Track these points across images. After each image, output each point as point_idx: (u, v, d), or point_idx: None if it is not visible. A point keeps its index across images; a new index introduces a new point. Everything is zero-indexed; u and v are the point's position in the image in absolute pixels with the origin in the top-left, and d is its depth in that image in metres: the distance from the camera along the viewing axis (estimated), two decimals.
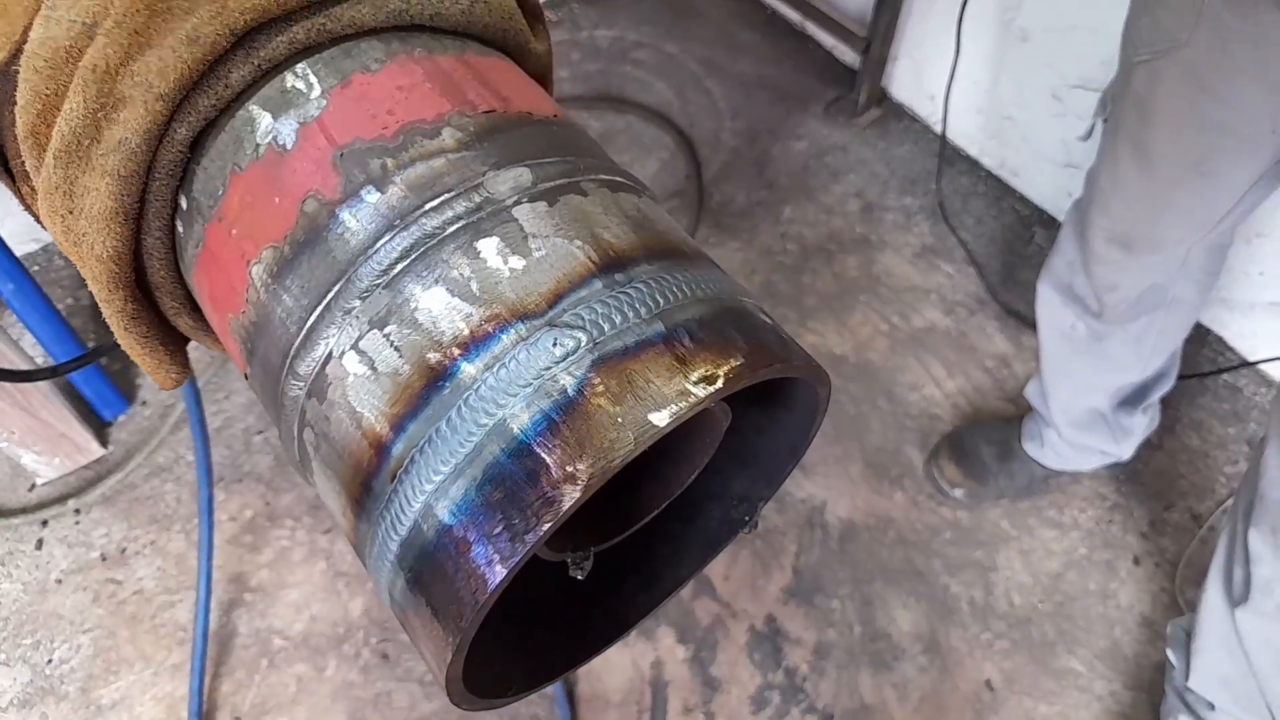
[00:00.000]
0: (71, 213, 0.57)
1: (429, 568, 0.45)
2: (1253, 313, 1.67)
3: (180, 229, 0.59)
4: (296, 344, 0.51)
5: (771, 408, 0.61)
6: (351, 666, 1.46)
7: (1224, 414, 1.70)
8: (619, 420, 0.44)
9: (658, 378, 0.45)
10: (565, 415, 0.44)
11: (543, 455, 0.43)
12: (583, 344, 0.46)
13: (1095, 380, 1.42)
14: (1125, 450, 1.52)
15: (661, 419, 0.44)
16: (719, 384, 0.45)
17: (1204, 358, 1.74)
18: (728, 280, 0.54)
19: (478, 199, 0.51)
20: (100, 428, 1.66)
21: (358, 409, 0.48)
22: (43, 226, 0.72)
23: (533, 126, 0.58)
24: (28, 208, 0.71)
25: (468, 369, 0.46)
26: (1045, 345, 1.44)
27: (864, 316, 1.84)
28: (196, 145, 0.57)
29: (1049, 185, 1.94)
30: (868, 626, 1.51)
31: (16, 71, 0.58)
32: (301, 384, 0.51)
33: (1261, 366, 1.70)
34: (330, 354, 0.50)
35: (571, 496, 0.42)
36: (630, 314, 0.47)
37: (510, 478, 0.43)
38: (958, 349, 1.79)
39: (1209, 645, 1.27)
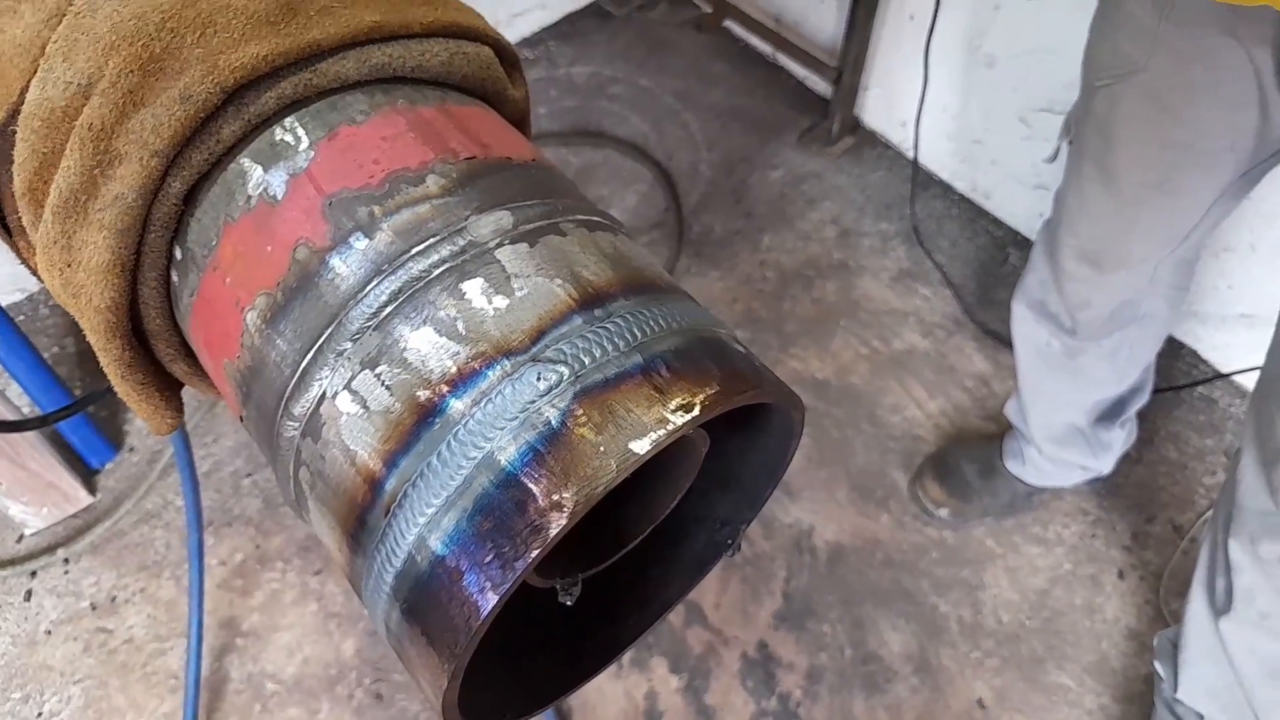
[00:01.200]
0: (70, 266, 0.59)
1: (424, 597, 0.47)
2: (1224, 325, 1.70)
3: (175, 278, 0.61)
4: (291, 386, 0.53)
5: (749, 432, 0.63)
6: (345, 708, 1.46)
7: (1200, 425, 1.73)
8: (601, 449, 0.46)
9: (637, 407, 0.47)
10: (550, 446, 0.46)
11: (530, 485, 0.45)
12: (565, 377, 0.48)
13: (1072, 396, 1.45)
14: (1105, 465, 1.54)
15: (642, 446, 0.46)
16: (696, 411, 0.47)
17: (1178, 371, 1.77)
18: (702, 312, 0.57)
19: (461, 242, 0.53)
20: (88, 475, 1.67)
21: (352, 447, 0.50)
22: (39, 280, 0.74)
23: (512, 171, 0.61)
24: (24, 261, 0.72)
25: (456, 405, 0.48)
26: (1022, 363, 1.47)
27: (844, 341, 1.87)
28: (190, 198, 0.59)
29: (1021, 207, 1.98)
30: (859, 649, 1.52)
31: (14, 131, 0.61)
32: (296, 424, 0.53)
33: (1235, 378, 1.73)
34: (324, 394, 0.52)
35: (558, 524, 0.44)
36: (610, 347, 0.49)
37: (499, 508, 0.45)
38: (937, 370, 1.82)
39: (1195, 656, 1.28)
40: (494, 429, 0.47)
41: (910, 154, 2.12)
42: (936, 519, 1.63)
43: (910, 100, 2.01)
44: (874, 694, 1.48)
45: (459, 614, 0.46)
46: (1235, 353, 1.71)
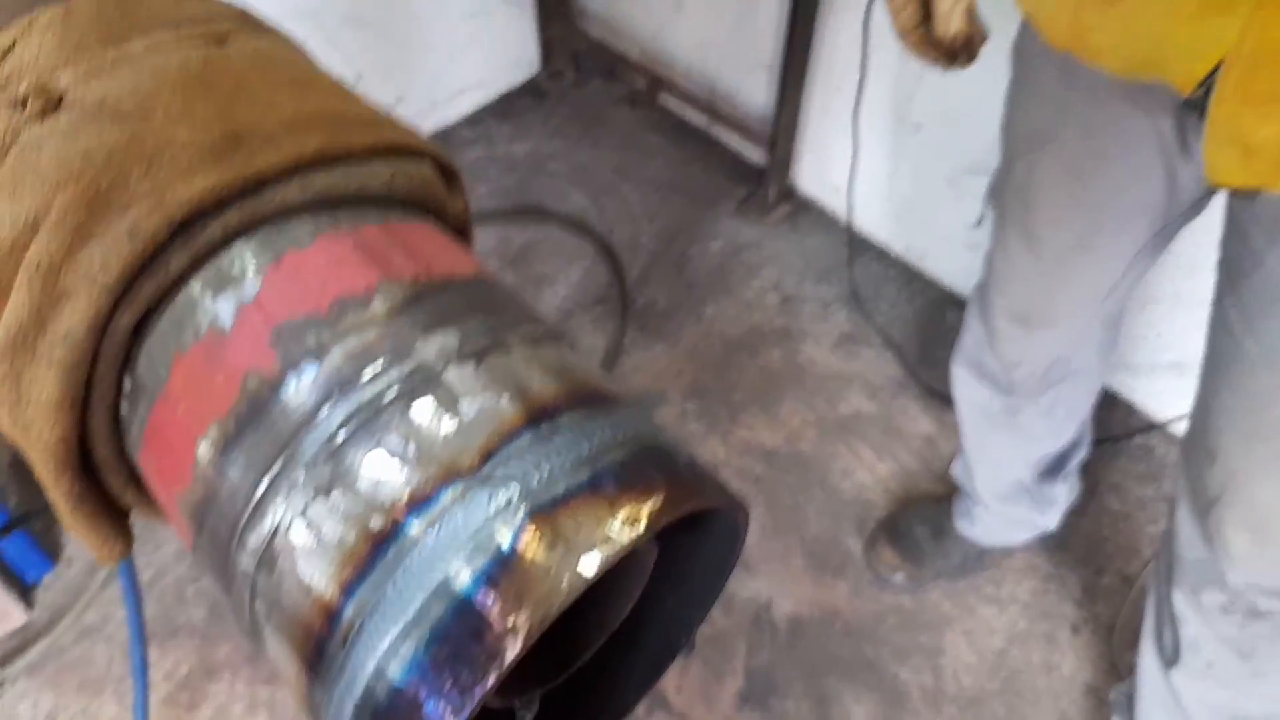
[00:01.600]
0: (19, 402, 0.58)
1: None
2: (1155, 374, 1.75)
3: (125, 409, 0.60)
4: (245, 517, 0.52)
5: (696, 533, 0.64)
6: None
7: (1140, 475, 1.76)
8: (552, 570, 0.46)
9: (586, 524, 0.48)
10: (503, 569, 0.46)
11: (484, 611, 0.45)
12: (515, 497, 0.49)
13: (1015, 454, 1.47)
14: (1051, 520, 1.56)
15: (591, 566, 0.46)
16: (642, 526, 0.48)
17: (1115, 421, 1.81)
18: (645, 419, 0.57)
19: (410, 365, 0.53)
20: (24, 591, 1.61)
21: (306, 577, 0.50)
22: None
23: (456, 289, 0.61)
24: None
25: (410, 530, 0.48)
26: (964, 423, 1.49)
27: (792, 408, 1.88)
28: (139, 329, 0.59)
29: (955, 266, 2.03)
30: None
31: None
32: (251, 556, 0.52)
33: (1170, 427, 1.77)
34: (278, 526, 0.51)
35: (513, 649, 0.45)
36: (557, 463, 0.50)
37: (455, 635, 0.45)
38: (885, 432, 1.84)
39: (1150, 709, 1.29)
40: (448, 552, 0.47)
41: (844, 220, 2.17)
42: (892, 584, 1.63)
43: (843, 167, 2.06)
44: None
45: None
46: (1168, 400, 1.76)
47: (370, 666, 0.47)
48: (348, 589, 0.48)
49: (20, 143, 0.59)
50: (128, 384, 0.59)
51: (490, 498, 0.47)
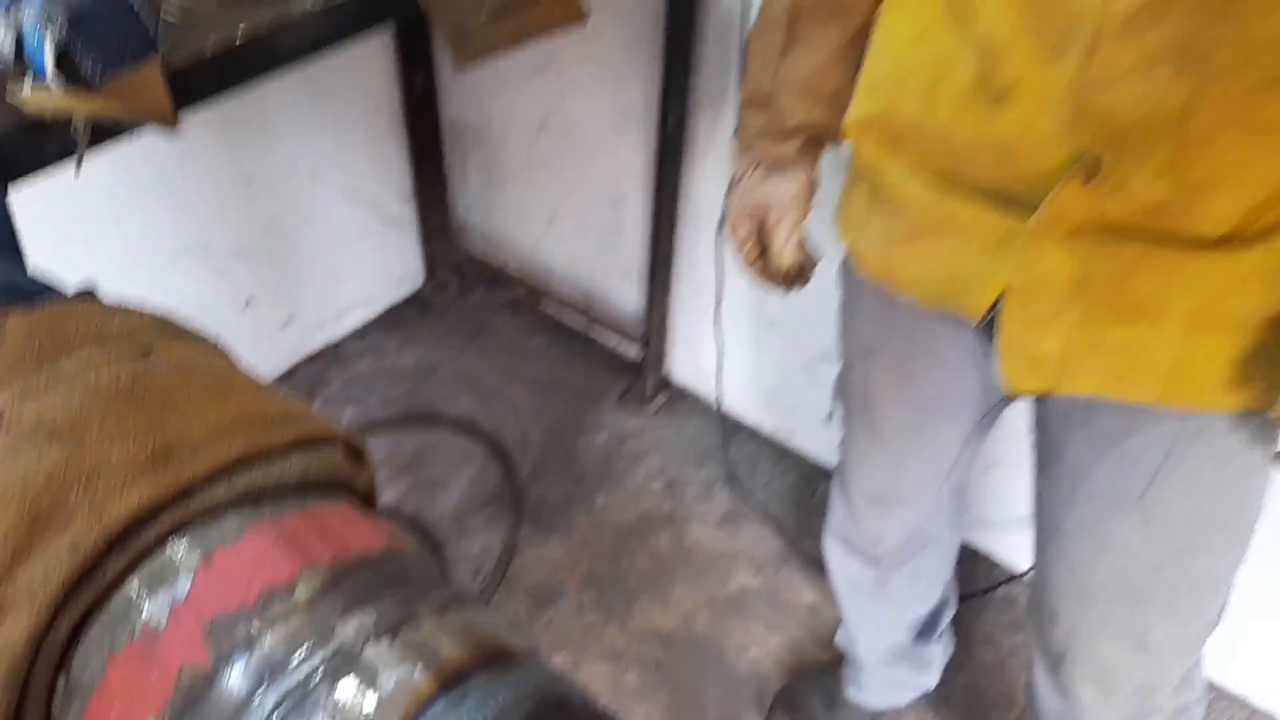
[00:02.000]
0: None
1: None
2: (1008, 529, 1.92)
3: (57, 708, 0.66)
4: None
5: None
6: None
7: (1007, 625, 1.90)
8: None
9: None
10: None
11: None
12: None
13: (889, 619, 1.59)
14: (931, 679, 1.67)
15: None
16: None
17: (979, 576, 1.96)
18: (546, 670, 0.67)
19: (333, 646, 0.62)
20: None
21: None
22: None
23: (370, 566, 0.71)
24: None
25: None
26: (841, 594, 1.60)
27: (684, 590, 1.97)
28: (75, 632, 0.66)
29: (821, 443, 2.20)
30: None
31: None
32: None
33: (1027, 578, 1.92)
34: None
35: None
36: None
37: None
38: (772, 606, 1.93)
39: None
40: None
41: (716, 406, 2.34)
42: None
43: (711, 359, 2.24)
44: None
45: None
46: (1023, 553, 1.91)
47: None
48: None
49: None
50: (61, 683, 0.65)
51: None
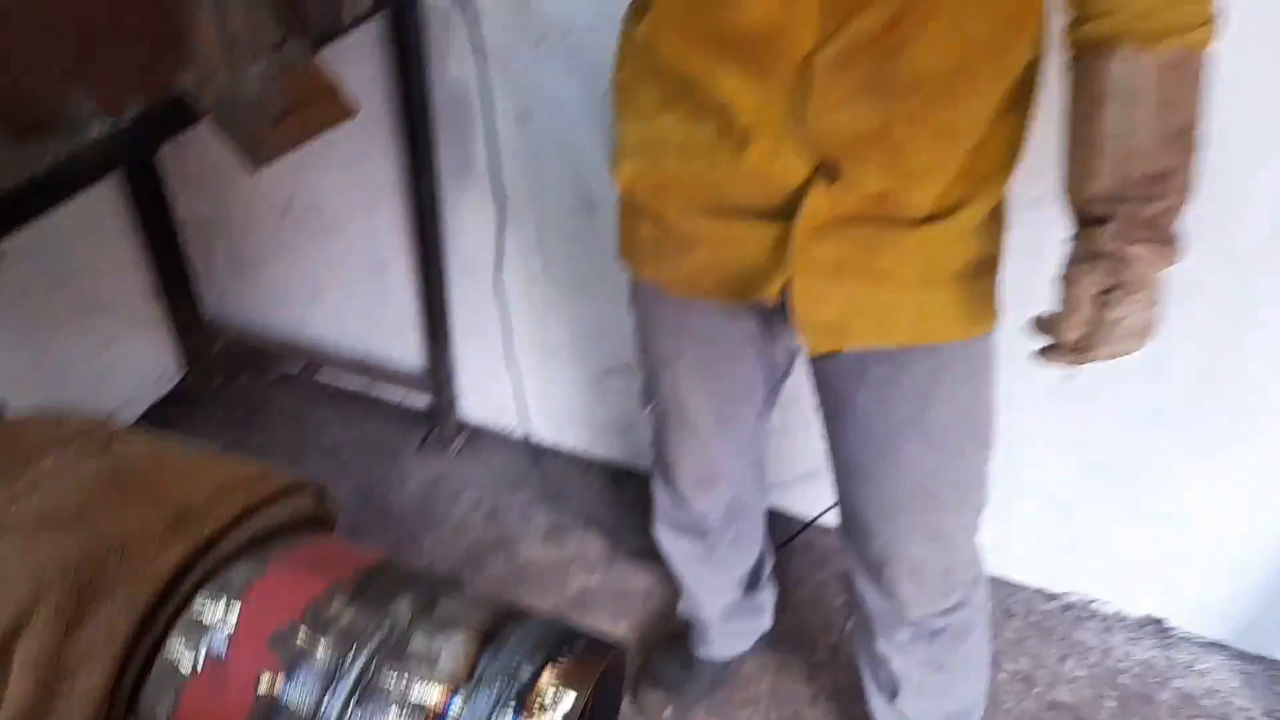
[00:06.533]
0: None
1: None
2: (795, 486, 2.20)
3: None
4: None
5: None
6: None
7: (812, 564, 2.18)
8: None
9: (559, 685, 0.68)
10: None
11: None
12: (504, 685, 0.68)
13: (723, 581, 1.80)
14: (765, 622, 1.90)
15: (573, 711, 0.66)
16: (595, 674, 0.70)
17: (781, 530, 2.22)
18: (549, 614, 0.81)
19: (386, 629, 0.72)
20: None
21: None
22: None
23: (384, 571, 0.81)
24: None
25: None
26: (678, 570, 1.79)
27: (531, 603, 2.06)
28: (138, 682, 0.71)
29: (622, 446, 2.40)
30: None
31: None
32: None
33: (819, 522, 2.22)
34: None
35: None
36: (520, 656, 0.71)
37: None
38: (613, 598, 2.09)
39: None
40: None
41: (515, 433, 2.47)
42: None
43: (501, 392, 2.37)
44: None
45: None
46: (811, 503, 2.20)
47: None
48: None
49: None
50: None
51: (488, 692, 0.62)
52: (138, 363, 2.57)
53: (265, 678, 0.71)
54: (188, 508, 0.78)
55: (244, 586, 0.72)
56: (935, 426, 1.27)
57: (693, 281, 1.28)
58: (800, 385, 1.55)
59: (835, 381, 1.34)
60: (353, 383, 2.65)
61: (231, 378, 2.72)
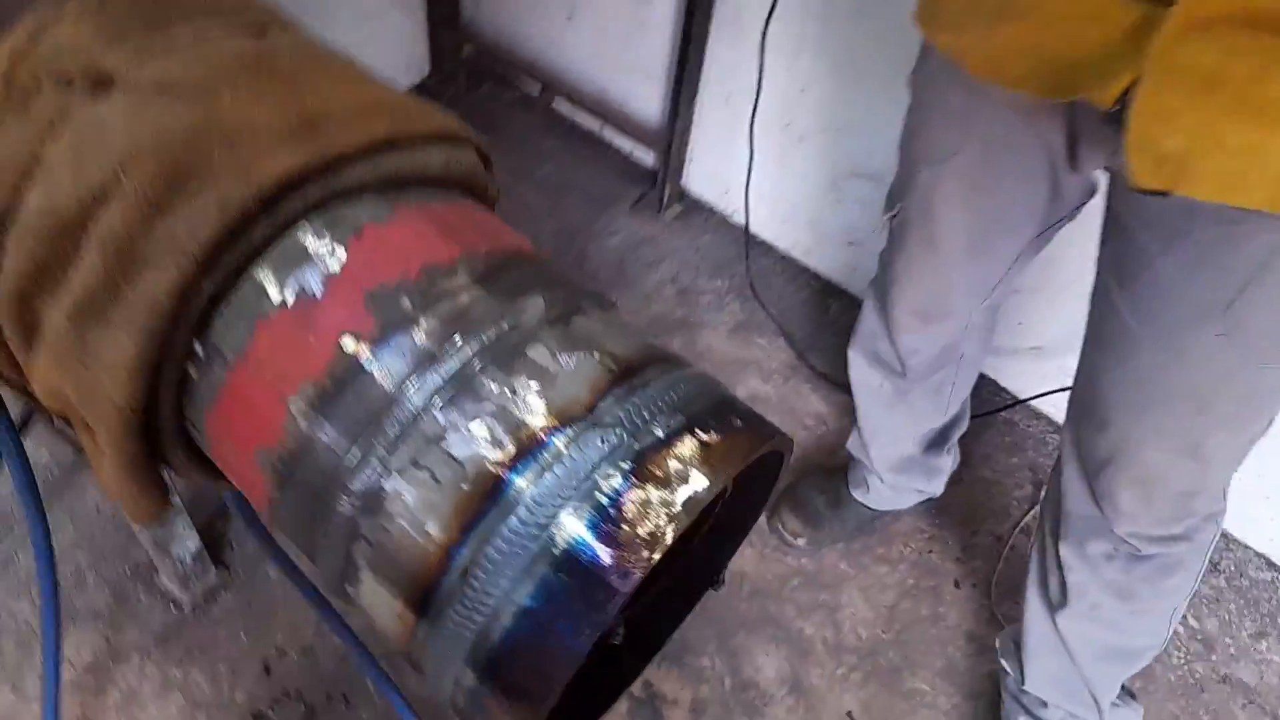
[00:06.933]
0: (85, 366, 0.59)
1: (508, 650, 0.52)
2: (1017, 357, 1.94)
3: (194, 373, 0.63)
4: (348, 467, 0.56)
5: (740, 476, 0.72)
6: None
7: (1006, 446, 1.95)
8: (669, 500, 0.53)
9: (693, 460, 0.55)
10: (622, 502, 0.52)
11: (610, 538, 0.51)
12: (625, 439, 0.55)
13: (905, 430, 1.61)
14: (937, 487, 1.72)
15: (703, 495, 0.53)
16: (740, 460, 0.56)
17: (984, 399, 2.00)
18: (706, 374, 0.65)
19: (506, 326, 0.59)
20: None
21: (422, 518, 0.54)
22: (9, 385, 0.72)
23: (527, 262, 0.68)
24: None
25: (528, 472, 0.53)
26: (860, 403, 1.62)
27: None
28: (216, 297, 0.62)
29: (837, 261, 2.19)
30: (736, 677, 1.61)
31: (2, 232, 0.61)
32: (356, 501, 0.56)
33: (1031, 403, 1.97)
34: (388, 470, 0.55)
35: (640, 569, 0.51)
36: (655, 410, 0.57)
37: (584, 561, 0.51)
38: (780, 412, 1.96)
39: (1037, 650, 1.44)
40: (568, 489, 0.52)
41: (735, 218, 2.30)
42: (795, 548, 1.75)
43: (732, 170, 2.19)
44: (754, 718, 1.56)
45: (551, 659, 0.50)
46: (1028, 381, 1.96)
47: (496, 593, 0.51)
48: (467, 527, 0.53)
49: (75, 119, 0.62)
50: (200, 349, 0.62)
51: (602, 439, 0.53)
52: (391, 46, 2.54)
53: (352, 336, 0.58)
54: (322, 115, 0.65)
55: (360, 226, 0.62)
56: (1246, 322, 0.99)
57: (1002, 61, 1.01)
58: (1065, 242, 1.29)
59: (1139, 232, 1.06)
60: (586, 120, 2.53)
61: (473, 87, 2.67)
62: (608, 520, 0.52)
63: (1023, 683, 1.48)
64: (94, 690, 1.46)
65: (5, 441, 0.97)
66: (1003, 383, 2.01)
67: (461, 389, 0.57)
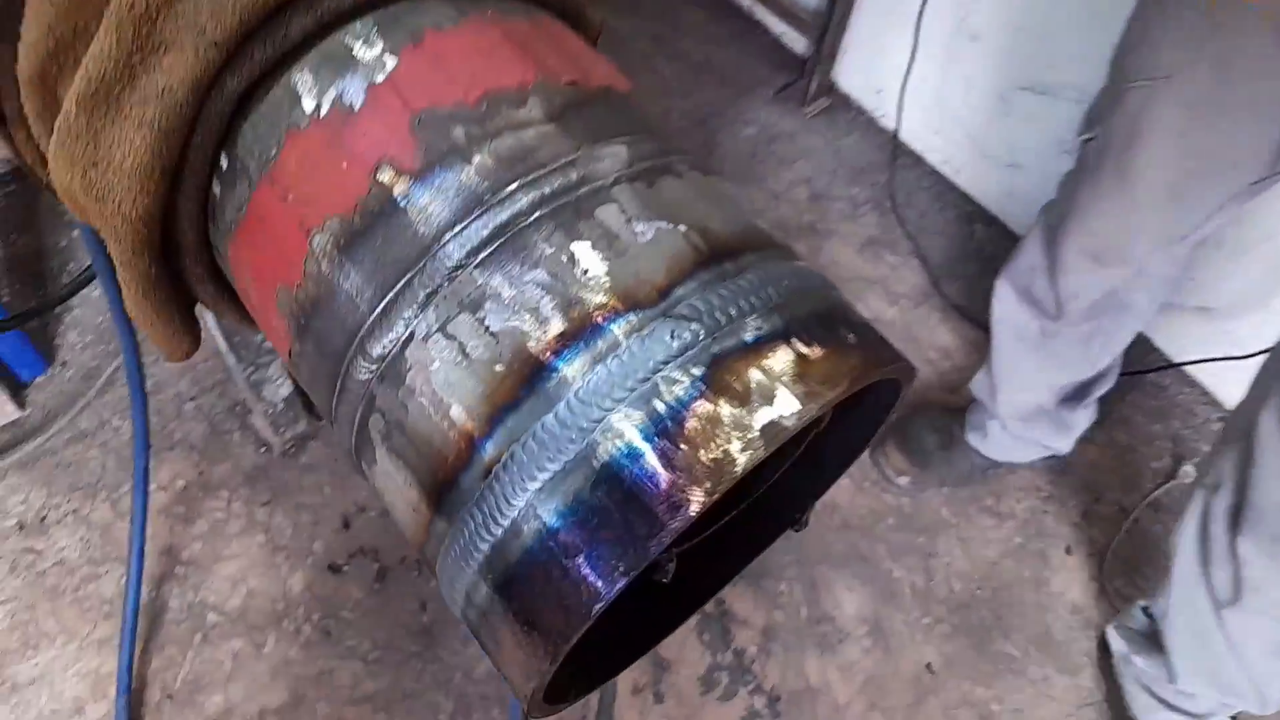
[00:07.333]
0: (96, 165, 0.52)
1: (526, 574, 0.43)
2: (1179, 316, 1.75)
3: (217, 190, 0.54)
4: (369, 323, 0.47)
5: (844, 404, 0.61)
6: (292, 643, 1.41)
7: (1150, 411, 1.78)
8: (744, 422, 0.42)
9: (783, 376, 0.43)
10: (686, 416, 0.42)
11: (666, 458, 0.41)
12: (701, 337, 0.44)
13: (1042, 377, 1.47)
14: (1065, 444, 1.57)
15: (787, 423, 0.42)
16: (844, 385, 0.44)
17: (1133, 357, 1.81)
18: (815, 272, 0.53)
19: (575, 176, 0.48)
20: (16, 389, 1.56)
21: (445, 398, 0.45)
22: (34, 178, 0.66)
23: (616, 102, 0.56)
24: (18, 155, 0.65)
25: (575, 361, 0.44)
26: (998, 341, 1.47)
27: None
28: (245, 99, 0.53)
29: (991, 184, 2.00)
30: (814, 609, 1.54)
31: (21, 3, 0.53)
32: (373, 366, 0.48)
33: (1186, 368, 1.78)
34: (412, 335, 0.46)
35: (698, 502, 0.41)
36: (746, 306, 0.45)
37: (630, 479, 0.41)
38: (903, 340, 1.83)
39: (1191, 647, 1.30)
40: (621, 390, 0.42)
41: (884, 121, 2.12)
42: (895, 486, 1.64)
43: (888, 67, 2.00)
44: (826, 653, 1.50)
45: (573, 595, 0.41)
46: (1187, 343, 1.77)
47: (519, 504, 0.43)
48: (496, 417, 0.44)
49: None
50: (224, 161, 0.53)
51: (673, 333, 0.43)
52: None
53: (391, 167, 0.47)
54: None
55: (419, 31, 0.51)
56: None
57: None
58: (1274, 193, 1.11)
59: None
60: None
61: None
62: (664, 435, 0.42)
63: (1173, 679, 1.35)
64: (183, 518, 1.49)
65: (101, 264, 0.94)
66: (1156, 341, 1.82)
67: (509, 247, 0.47)
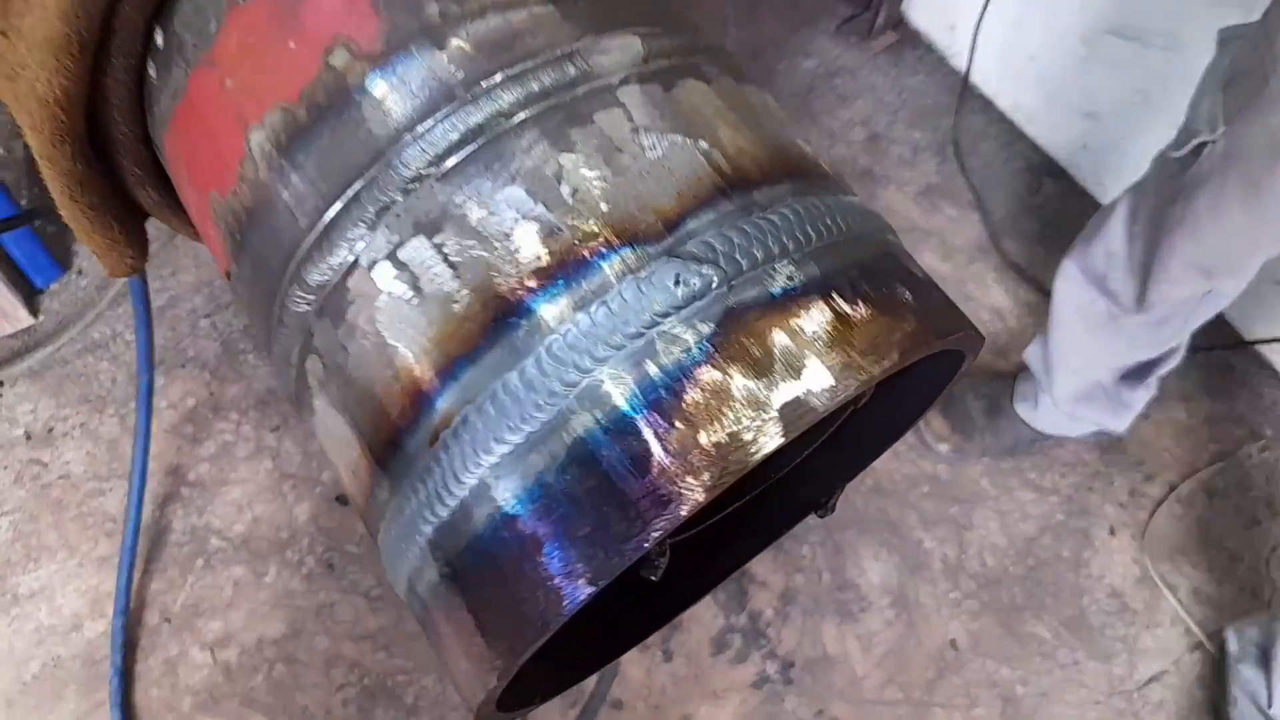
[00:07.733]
0: (5, 35, 0.44)
1: (479, 565, 0.35)
2: (1254, 291, 1.61)
3: (153, 73, 0.46)
4: (308, 243, 0.39)
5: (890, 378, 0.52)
6: (294, 574, 1.37)
7: (1214, 390, 1.66)
8: (760, 399, 0.33)
9: (816, 341, 0.34)
10: (687, 385, 0.33)
11: (654, 437, 0.33)
12: (714, 285, 0.34)
13: (1105, 356, 1.36)
14: (1121, 424, 1.46)
15: (819, 402, 0.33)
16: (894, 357, 0.35)
17: (1201, 330, 1.70)
18: (871, 211, 0.43)
19: (572, 71, 0.38)
20: (30, 295, 1.52)
21: (390, 340, 0.37)
22: None
23: None
24: None
25: (552, 305, 0.35)
26: (1058, 317, 1.36)
27: None
28: None
29: (1064, 135, 1.86)
30: (837, 575, 1.47)
31: None
32: (311, 297, 0.39)
33: (1258, 347, 1.66)
34: (356, 263, 0.38)
35: (693, 497, 0.32)
36: (776, 249, 0.35)
37: (608, 462, 0.33)
38: (954, 298, 1.72)
39: None
40: (607, 347, 0.33)
41: (954, 60, 1.98)
42: (935, 453, 1.56)
43: (963, 2, 1.85)
44: (846, 621, 1.44)
45: (528, 601, 0.33)
46: (1261, 321, 1.64)
47: (471, 480, 0.35)
48: (449, 368, 0.36)
49: None
50: (159, 38, 0.44)
51: (679, 278, 0.34)
52: None
53: (345, 48, 0.37)
54: None
55: None
56: None
57: None
58: None
59: None
60: None
61: None
62: (656, 408, 0.33)
63: (1270, 703, 1.28)
64: (191, 438, 1.45)
65: None
66: (1227, 315, 1.69)
67: (482, 156, 0.37)
